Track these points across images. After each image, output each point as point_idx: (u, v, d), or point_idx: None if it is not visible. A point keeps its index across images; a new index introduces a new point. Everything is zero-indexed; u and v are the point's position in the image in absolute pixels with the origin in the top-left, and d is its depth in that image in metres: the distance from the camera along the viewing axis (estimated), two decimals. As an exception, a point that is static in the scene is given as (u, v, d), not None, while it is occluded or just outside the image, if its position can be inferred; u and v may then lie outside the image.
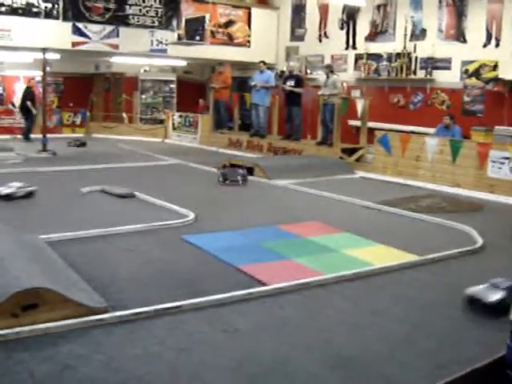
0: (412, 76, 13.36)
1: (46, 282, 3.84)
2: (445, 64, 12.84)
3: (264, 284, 4.64)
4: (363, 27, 14.62)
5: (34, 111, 16.27)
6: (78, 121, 18.50)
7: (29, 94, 16.51)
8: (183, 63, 18.40)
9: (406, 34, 13.34)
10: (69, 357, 3.37)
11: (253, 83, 14.37)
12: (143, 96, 19.52)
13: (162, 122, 18.36)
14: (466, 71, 12.52)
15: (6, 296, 3.60)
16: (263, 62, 14.47)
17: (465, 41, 12.51)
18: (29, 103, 16.28)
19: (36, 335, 3.61)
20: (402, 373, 3.31)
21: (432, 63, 13.00)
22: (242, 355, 3.48)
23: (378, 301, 4.46)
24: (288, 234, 6.39)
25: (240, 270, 5.02)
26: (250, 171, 10.43)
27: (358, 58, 14.75)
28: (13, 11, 13.83)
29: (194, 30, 14.86)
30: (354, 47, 14.90)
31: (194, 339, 3.68)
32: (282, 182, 9.81)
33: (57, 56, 16.00)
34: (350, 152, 12.56)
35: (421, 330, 3.92)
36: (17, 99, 19.87)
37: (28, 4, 13.95)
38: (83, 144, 15.45)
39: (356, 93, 14.59)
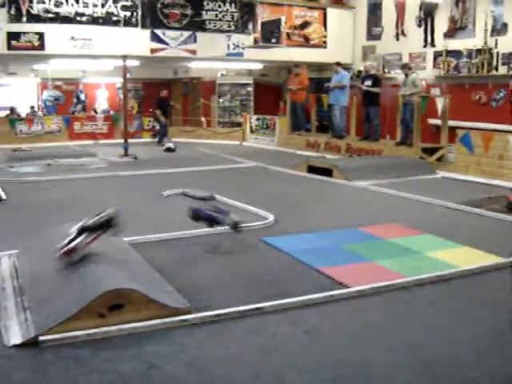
0: (494, 72, 12.96)
1: (132, 283, 3.93)
2: (528, 59, 12.42)
3: (346, 286, 4.61)
4: (442, 24, 14.28)
5: (162, 120, 17.13)
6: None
7: (161, 103, 17.32)
8: (260, 66, 18.50)
9: (486, 29, 12.93)
10: (154, 356, 3.44)
11: (326, 85, 14.39)
12: (221, 100, 19.75)
13: (239, 124, 18.50)
14: (551, 66, 12.07)
15: (94, 297, 3.71)
16: (337, 63, 14.43)
17: (549, 34, 12.06)
18: (158, 112, 17.12)
19: (122, 335, 3.70)
20: (488, 379, 3.21)
21: (515, 58, 12.59)
22: (325, 357, 3.46)
23: (462, 304, 4.35)
24: (369, 235, 6.31)
25: (321, 272, 4.99)
26: (329, 173, 10.38)
27: (436, 55, 14.42)
28: (93, 20, 14.27)
29: (270, 33, 14.92)
30: (432, 44, 14.58)
31: (276, 340, 3.68)
32: (361, 184, 9.71)
33: (136, 63, 16.39)
34: (430, 152, 12.32)
35: (508, 335, 3.79)
36: (98, 105, 20.51)
37: (108, 13, 14.37)
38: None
39: (436, 91, 14.28)
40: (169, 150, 15.48)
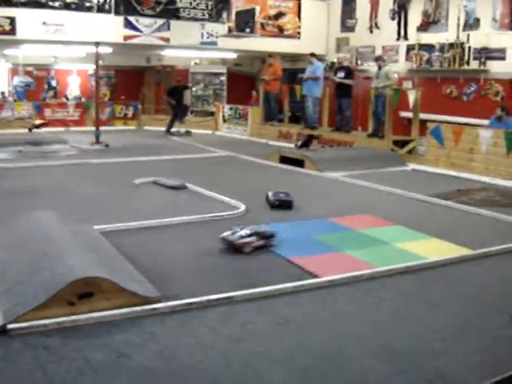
0: (465, 66, 13.09)
1: (102, 272, 3.92)
2: (499, 54, 12.53)
3: (316, 276, 4.64)
4: (415, 17, 14.38)
5: (172, 102, 16.80)
6: (130, 113, 18.73)
7: (175, 91, 16.95)
8: (233, 55, 18.44)
9: (458, 24, 13.05)
10: (124, 345, 3.44)
11: (299, 75, 14.42)
12: (194, 88, 19.67)
13: (212, 114, 18.46)
14: (522, 61, 12.21)
15: (63, 284, 3.69)
16: (312, 54, 14.44)
17: (520, 30, 12.19)
18: (170, 99, 16.89)
19: (91, 323, 3.68)
20: (455, 367, 3.27)
21: (486, 53, 12.70)
22: (294, 346, 3.49)
23: (431, 295, 4.41)
24: (340, 226, 6.36)
25: (292, 262, 5.02)
26: (301, 163, 10.42)
27: (409, 48, 14.53)
28: (66, 6, 14.08)
29: (245, 23, 14.87)
30: (405, 38, 14.67)
31: (246, 330, 3.70)
32: (333, 175, 9.76)
33: (109, 50, 16.24)
34: (401, 144, 12.42)
35: (474, 325, 3.86)
36: (70, 92, 20.30)
37: (81, -1, 14.19)
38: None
39: (408, 84, 14.39)
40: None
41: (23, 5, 13.67)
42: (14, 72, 19.75)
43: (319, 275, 4.65)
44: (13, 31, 13.69)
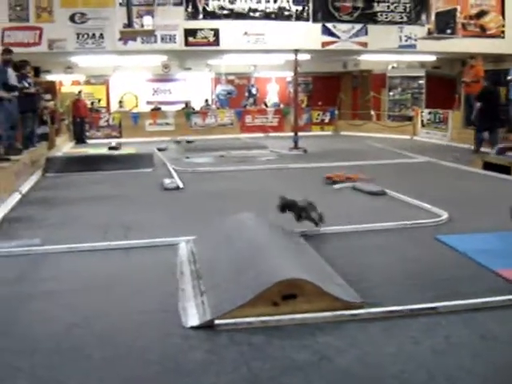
0: None
1: (305, 274, 3.98)
2: None
3: (527, 291, 4.35)
4: None
5: None
6: (327, 119, 18.98)
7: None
8: (432, 58, 17.99)
9: None
10: (325, 348, 3.45)
11: (509, 77, 13.67)
12: (391, 93, 19.48)
13: (410, 118, 18.12)
14: None
15: (269, 285, 3.80)
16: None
17: None
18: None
19: (294, 324, 3.75)
20: None
21: None
22: (501, 363, 3.29)
23: None
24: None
25: (499, 275, 4.74)
26: (507, 170, 9.85)
27: None
28: (266, 16, 14.63)
29: (445, 23, 14.48)
30: None
31: (450, 342, 3.56)
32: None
33: (307, 56, 16.56)
34: None
35: None
36: (269, 99, 21.00)
37: (280, 8, 14.67)
38: None
39: None
40: None
41: (226, 16, 14.41)
42: (217, 81, 20.84)
43: (530, 290, 4.35)
44: (216, 42, 14.48)
